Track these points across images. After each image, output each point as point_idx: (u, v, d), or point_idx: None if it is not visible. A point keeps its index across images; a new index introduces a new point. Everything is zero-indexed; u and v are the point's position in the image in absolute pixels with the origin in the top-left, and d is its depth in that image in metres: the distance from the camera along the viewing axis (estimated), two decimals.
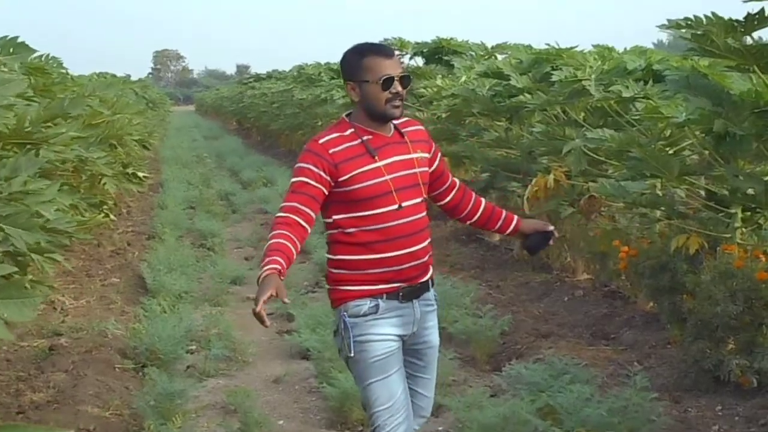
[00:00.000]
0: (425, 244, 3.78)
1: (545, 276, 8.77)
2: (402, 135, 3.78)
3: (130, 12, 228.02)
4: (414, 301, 3.77)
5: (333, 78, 18.80)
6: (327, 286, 3.81)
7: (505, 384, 5.87)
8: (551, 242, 4.10)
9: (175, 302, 8.13)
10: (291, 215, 3.54)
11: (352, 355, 3.68)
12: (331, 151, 3.62)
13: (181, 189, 16.29)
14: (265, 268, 3.38)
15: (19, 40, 5.32)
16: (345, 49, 3.79)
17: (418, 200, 3.75)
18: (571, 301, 7.98)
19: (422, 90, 10.63)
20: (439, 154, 3.98)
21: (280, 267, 3.39)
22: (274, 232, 3.50)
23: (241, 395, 5.90)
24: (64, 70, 8.63)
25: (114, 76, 20.04)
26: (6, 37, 5.33)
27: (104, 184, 9.39)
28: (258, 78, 38.51)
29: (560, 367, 5.77)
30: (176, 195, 15.25)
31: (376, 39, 11.94)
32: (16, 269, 3.37)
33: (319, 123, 18.47)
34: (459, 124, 10.01)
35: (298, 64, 24.40)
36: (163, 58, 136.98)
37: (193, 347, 7.18)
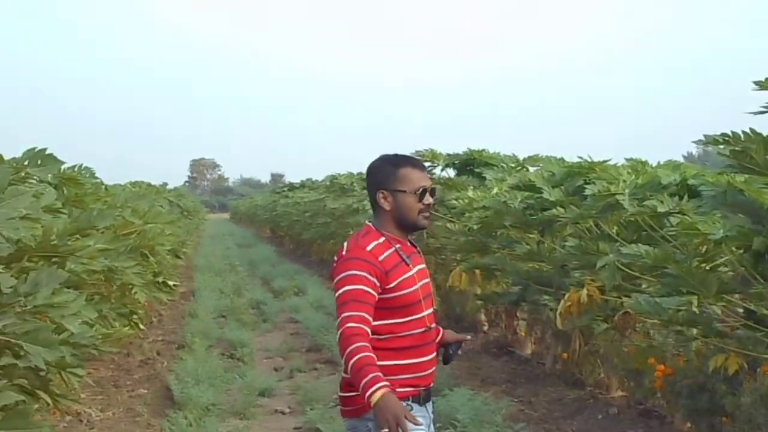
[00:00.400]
0: (436, 352, 3.91)
1: (578, 392, 8.56)
2: (415, 246, 3.87)
3: (167, 121, 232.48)
4: (426, 404, 3.83)
5: (365, 188, 18.76)
6: (350, 394, 3.71)
7: None
8: (459, 352, 4.17)
9: (202, 415, 7.98)
10: (363, 326, 3.51)
11: None
12: (380, 259, 3.66)
13: (212, 297, 16.24)
14: (376, 386, 3.33)
15: (48, 152, 5.34)
16: (373, 159, 3.86)
17: (432, 309, 3.86)
18: (605, 419, 7.75)
19: (454, 201, 10.54)
20: None
21: (388, 383, 3.36)
22: (357, 345, 3.44)
23: None
24: (97, 180, 8.67)
25: (149, 185, 20.20)
26: (34, 148, 5.35)
27: (135, 293, 9.37)
28: (291, 187, 38.83)
29: None
30: (207, 304, 15.20)
31: (408, 150, 11.95)
32: (21, 398, 3.28)
33: (351, 232, 18.39)
34: (490, 236, 9.87)
35: (331, 173, 24.53)
36: (199, 167, 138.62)
37: None
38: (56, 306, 5.15)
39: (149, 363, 10.43)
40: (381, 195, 3.76)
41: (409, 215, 3.73)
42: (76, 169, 8.13)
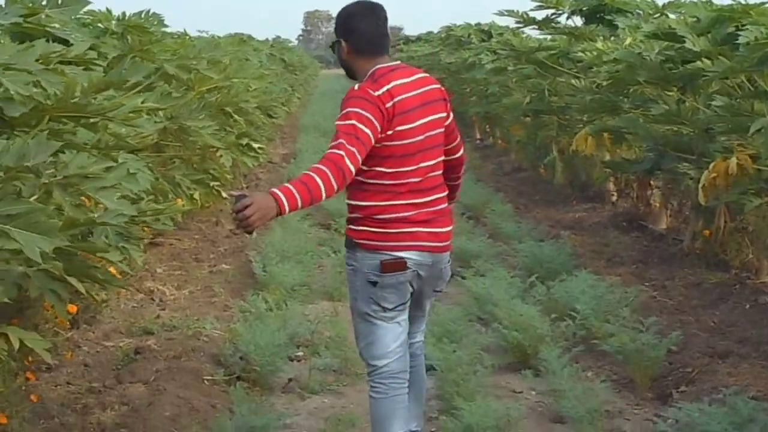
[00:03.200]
0: None
1: (721, 276, 7.53)
2: None
3: None
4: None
5: (483, 40, 17.68)
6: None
7: (671, 430, 4.74)
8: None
9: (286, 297, 7.18)
10: None
11: None
12: None
13: (314, 160, 15.30)
14: None
15: None
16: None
17: None
18: (753, 309, 6.75)
19: (580, 54, 9.65)
20: None
21: None
22: None
23: (345, 423, 5.00)
24: (166, 28, 7.72)
25: (250, 36, 19.15)
26: None
27: (221, 156, 8.54)
28: (407, 40, 37.96)
29: (746, 413, 4.55)
30: (308, 167, 14.28)
31: None
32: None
33: (467, 89, 17.37)
34: (622, 94, 8.94)
35: (447, 25, 23.33)
36: (313, 20, 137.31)
37: (300, 353, 6.24)
38: (91, 177, 4.27)
39: (237, 233, 9.60)
40: None
41: None
42: (142, 16, 7.18)
